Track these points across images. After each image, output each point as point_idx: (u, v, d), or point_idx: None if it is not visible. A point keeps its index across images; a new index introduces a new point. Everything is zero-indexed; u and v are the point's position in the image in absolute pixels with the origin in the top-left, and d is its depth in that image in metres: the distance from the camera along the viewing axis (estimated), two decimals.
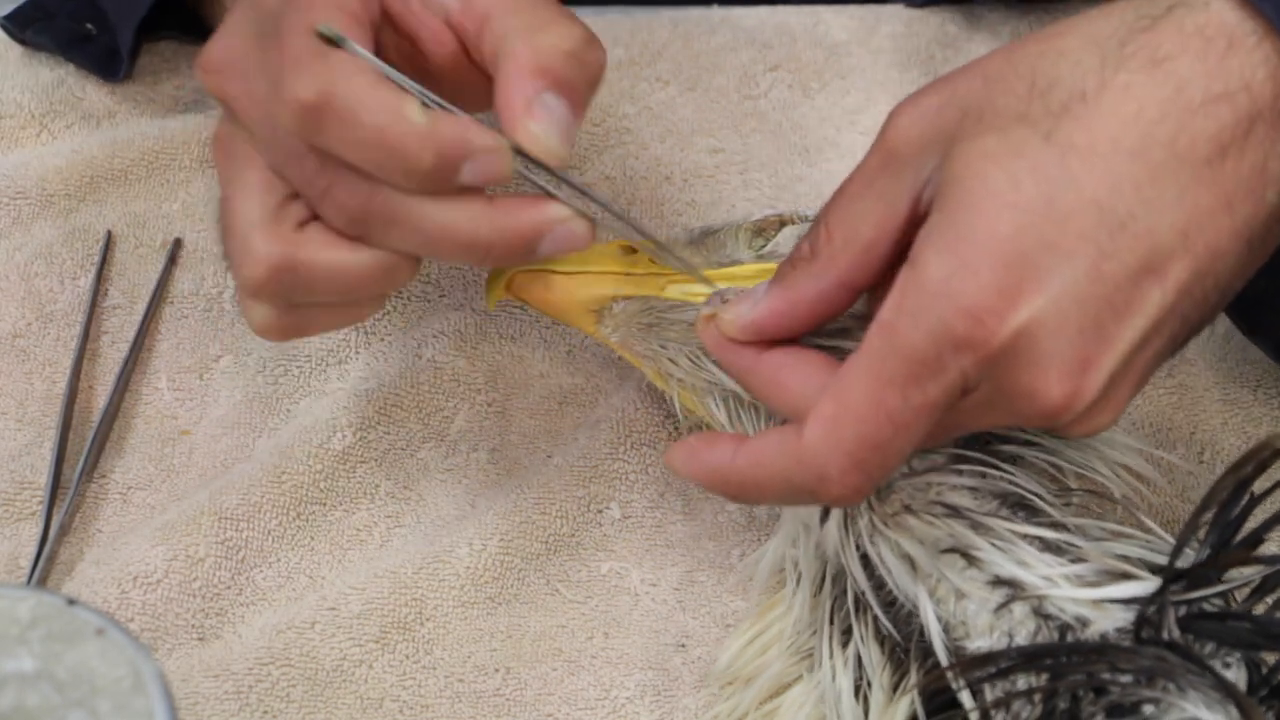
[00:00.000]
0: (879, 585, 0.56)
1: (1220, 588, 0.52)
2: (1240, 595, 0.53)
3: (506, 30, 0.55)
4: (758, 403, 0.61)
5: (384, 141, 0.53)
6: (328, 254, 0.56)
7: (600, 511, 0.67)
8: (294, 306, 0.58)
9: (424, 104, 0.54)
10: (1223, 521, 0.52)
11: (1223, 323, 0.72)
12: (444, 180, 0.54)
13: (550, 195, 0.55)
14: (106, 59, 0.79)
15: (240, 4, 0.59)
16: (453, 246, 0.55)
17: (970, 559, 0.55)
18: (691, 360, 0.62)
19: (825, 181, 0.77)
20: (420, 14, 0.57)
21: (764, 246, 0.64)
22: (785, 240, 0.64)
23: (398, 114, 0.53)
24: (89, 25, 0.78)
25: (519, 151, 0.54)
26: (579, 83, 0.55)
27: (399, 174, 0.53)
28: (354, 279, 0.56)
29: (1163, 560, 0.55)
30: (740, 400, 0.61)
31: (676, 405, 0.63)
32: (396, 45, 0.58)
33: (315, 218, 0.56)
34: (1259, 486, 0.52)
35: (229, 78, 0.57)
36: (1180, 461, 0.68)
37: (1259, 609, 0.53)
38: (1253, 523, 0.53)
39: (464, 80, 0.58)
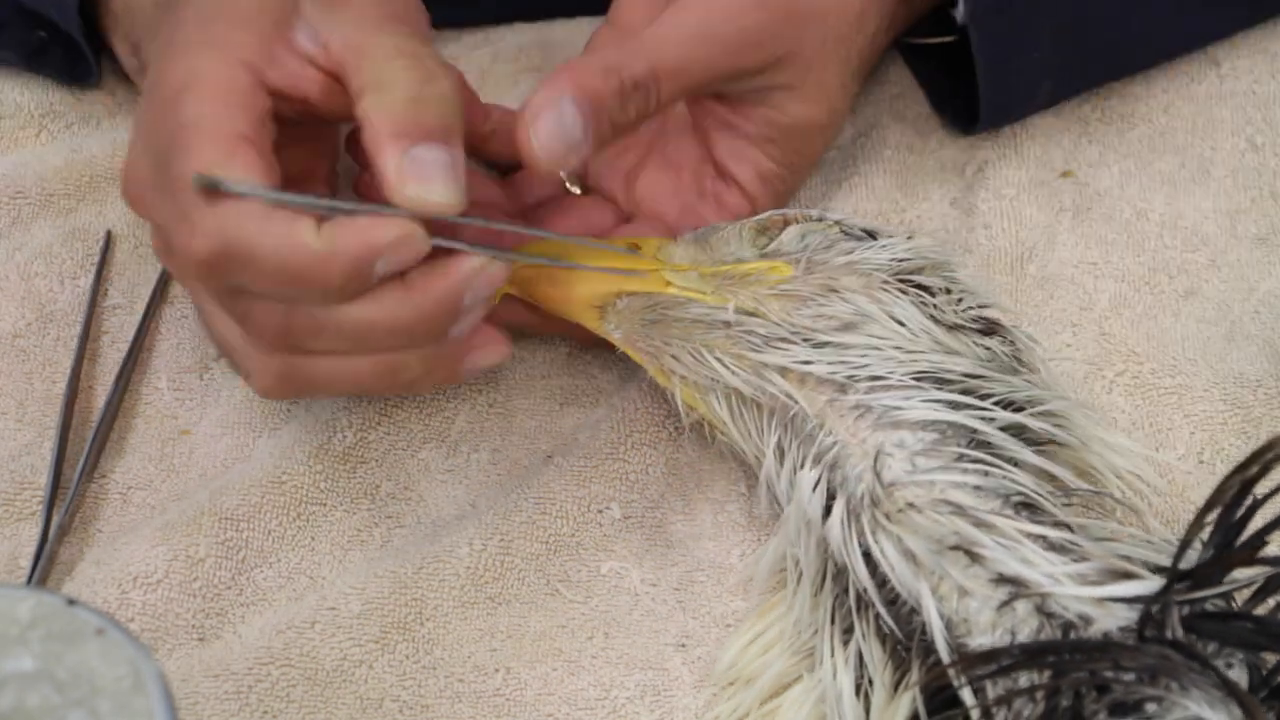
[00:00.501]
0: (881, 582, 0.56)
1: (1223, 588, 0.52)
2: (1242, 596, 0.53)
3: (356, 93, 0.55)
4: (760, 400, 0.61)
5: (288, 274, 0.53)
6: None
7: (600, 511, 0.67)
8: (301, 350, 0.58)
9: (322, 216, 0.54)
10: (1227, 522, 0.52)
11: (1224, 322, 0.72)
12: (360, 285, 0.54)
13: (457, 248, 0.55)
14: (71, 66, 0.77)
15: (137, 113, 0.59)
16: (382, 338, 0.56)
17: (974, 556, 0.55)
18: (694, 357, 0.62)
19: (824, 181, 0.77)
20: (300, 72, 0.58)
21: (767, 245, 0.64)
22: (789, 239, 0.64)
23: (295, 244, 0.53)
24: (41, 33, 0.77)
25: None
26: (433, 121, 0.54)
27: (316, 297, 0.54)
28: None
29: (1163, 561, 0.55)
30: (743, 397, 0.61)
31: (678, 402, 0.63)
32: (292, 110, 0.58)
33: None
34: (1261, 490, 0.52)
35: (144, 206, 0.59)
36: (1180, 462, 0.68)
37: (1261, 610, 0.53)
38: (1253, 524, 0.53)
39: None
